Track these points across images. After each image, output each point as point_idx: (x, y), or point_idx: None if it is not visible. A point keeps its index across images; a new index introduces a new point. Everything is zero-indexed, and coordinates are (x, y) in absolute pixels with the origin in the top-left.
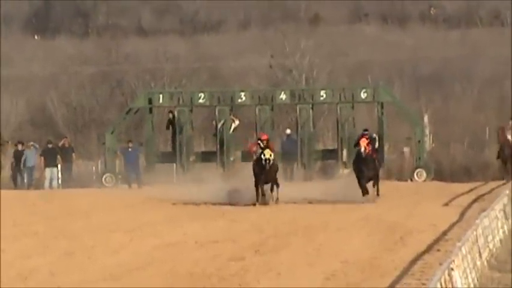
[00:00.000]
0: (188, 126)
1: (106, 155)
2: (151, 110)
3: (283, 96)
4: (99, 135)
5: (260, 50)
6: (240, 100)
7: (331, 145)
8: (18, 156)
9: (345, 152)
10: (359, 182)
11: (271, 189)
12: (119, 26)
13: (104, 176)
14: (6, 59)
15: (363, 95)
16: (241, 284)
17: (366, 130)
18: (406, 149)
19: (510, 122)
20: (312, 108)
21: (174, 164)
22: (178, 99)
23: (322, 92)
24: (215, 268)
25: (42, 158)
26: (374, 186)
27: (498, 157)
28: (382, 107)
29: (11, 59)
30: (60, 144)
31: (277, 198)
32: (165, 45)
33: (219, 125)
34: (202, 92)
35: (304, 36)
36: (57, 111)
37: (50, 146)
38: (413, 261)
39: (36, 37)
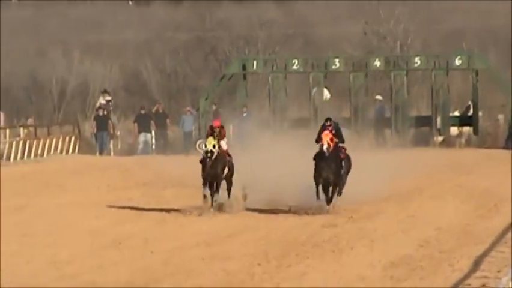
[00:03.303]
0: (283, 92)
1: (199, 121)
2: (245, 77)
3: (377, 62)
4: (193, 101)
5: (354, 17)
6: (333, 67)
7: (425, 112)
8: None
9: (439, 119)
10: (316, 184)
11: (228, 192)
12: None
13: (198, 142)
14: (100, 24)
15: (457, 62)
16: (334, 251)
17: (329, 120)
18: (500, 116)
19: None
20: (407, 75)
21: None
22: (272, 66)
23: (416, 59)
24: (308, 235)
25: (135, 124)
26: (333, 191)
27: None
28: (477, 74)
29: (104, 24)
30: (154, 110)
31: (221, 203)
32: (259, 12)
33: (313, 92)
34: (296, 58)
35: (399, 3)
36: (151, 77)
37: (143, 111)
38: (507, 229)
39: (130, 3)
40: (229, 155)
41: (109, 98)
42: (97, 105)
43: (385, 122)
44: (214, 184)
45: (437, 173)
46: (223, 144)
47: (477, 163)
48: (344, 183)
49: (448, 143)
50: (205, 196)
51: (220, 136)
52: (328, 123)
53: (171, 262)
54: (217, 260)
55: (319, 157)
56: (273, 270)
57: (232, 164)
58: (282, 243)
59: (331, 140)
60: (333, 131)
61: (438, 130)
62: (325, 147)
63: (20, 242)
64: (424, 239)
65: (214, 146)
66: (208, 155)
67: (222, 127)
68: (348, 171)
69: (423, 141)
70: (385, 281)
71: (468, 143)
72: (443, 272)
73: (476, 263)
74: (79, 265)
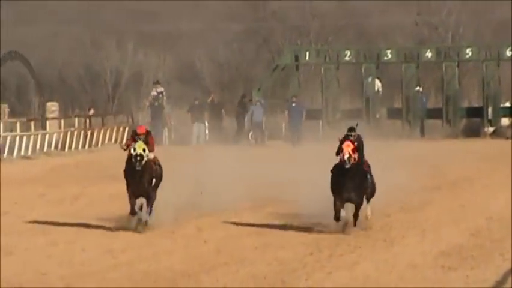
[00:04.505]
0: (335, 83)
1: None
2: (297, 67)
3: (429, 53)
4: (246, 91)
5: (406, 7)
6: (385, 58)
7: (476, 103)
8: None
9: (490, 110)
10: (334, 202)
11: (149, 211)
12: None
13: (250, 133)
14: (154, 15)
15: (508, 53)
16: (386, 240)
17: (352, 130)
18: None
19: None
20: (458, 66)
21: (320, 121)
22: (325, 57)
23: (467, 50)
24: (360, 224)
25: (189, 114)
26: (354, 213)
27: None
28: None
29: (159, 15)
30: (209, 100)
31: (146, 221)
32: (312, 3)
33: (365, 83)
34: (348, 49)
35: None
36: (205, 68)
37: (196, 102)
38: None
39: None
40: (155, 163)
41: (161, 89)
42: (149, 98)
43: (431, 113)
44: (142, 198)
45: (488, 163)
46: (151, 154)
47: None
48: (373, 191)
49: (498, 133)
50: (134, 213)
51: (147, 145)
52: (350, 134)
53: (224, 251)
54: (270, 249)
55: (338, 169)
56: (325, 259)
57: (161, 174)
58: (334, 232)
59: (353, 151)
60: (355, 144)
61: (489, 121)
62: (346, 157)
63: (75, 230)
64: (475, 228)
65: (144, 150)
66: (138, 158)
67: (148, 133)
68: (373, 192)
69: (474, 131)
70: (436, 270)
71: None
72: (494, 261)
73: None
74: (133, 253)
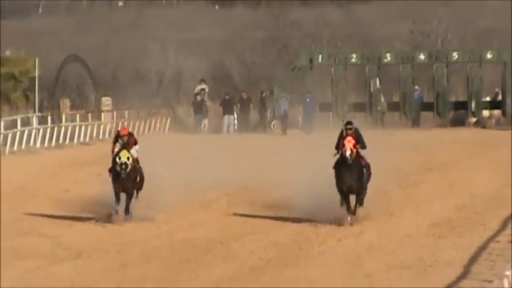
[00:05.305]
0: (343, 81)
1: (274, 105)
2: (311, 68)
3: (422, 56)
4: (268, 88)
5: (404, 18)
6: (385, 60)
7: (462, 98)
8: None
9: (473, 104)
10: (340, 193)
11: (126, 209)
12: None
13: (272, 123)
14: (190, 25)
15: (489, 56)
16: (386, 213)
17: (350, 124)
18: None
19: None
20: (446, 67)
21: (331, 113)
22: (334, 59)
23: (454, 53)
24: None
25: (221, 107)
26: (355, 202)
27: None
28: (505, 66)
29: (195, 25)
30: (243, 97)
31: (130, 213)
32: (324, 14)
33: (371, 82)
34: (354, 53)
35: (441, 6)
36: (234, 69)
37: (227, 97)
38: None
39: (216, 7)
40: (138, 162)
41: (203, 86)
42: (195, 94)
43: (424, 107)
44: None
45: (472, 148)
46: (133, 152)
47: (505, 140)
48: (365, 192)
49: (480, 123)
50: (117, 211)
51: (128, 145)
52: (349, 126)
53: (250, 222)
54: (288, 221)
55: (340, 165)
56: (334, 230)
57: (142, 173)
58: (342, 208)
59: (354, 146)
60: (355, 135)
61: (473, 113)
62: (348, 153)
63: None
64: (461, 203)
65: (128, 158)
66: (123, 167)
67: (130, 135)
68: (368, 179)
69: (460, 122)
70: (429, 238)
71: (498, 124)
72: (477, 230)
73: (505, 224)
74: (173, 224)
